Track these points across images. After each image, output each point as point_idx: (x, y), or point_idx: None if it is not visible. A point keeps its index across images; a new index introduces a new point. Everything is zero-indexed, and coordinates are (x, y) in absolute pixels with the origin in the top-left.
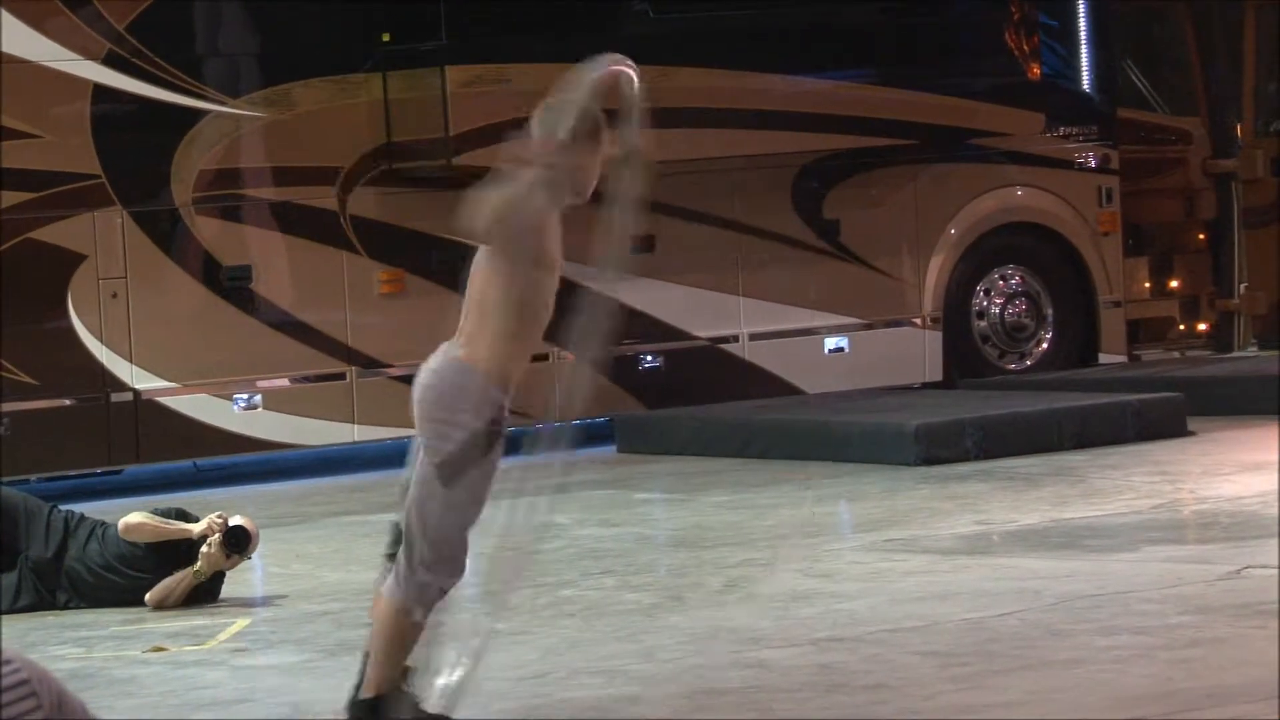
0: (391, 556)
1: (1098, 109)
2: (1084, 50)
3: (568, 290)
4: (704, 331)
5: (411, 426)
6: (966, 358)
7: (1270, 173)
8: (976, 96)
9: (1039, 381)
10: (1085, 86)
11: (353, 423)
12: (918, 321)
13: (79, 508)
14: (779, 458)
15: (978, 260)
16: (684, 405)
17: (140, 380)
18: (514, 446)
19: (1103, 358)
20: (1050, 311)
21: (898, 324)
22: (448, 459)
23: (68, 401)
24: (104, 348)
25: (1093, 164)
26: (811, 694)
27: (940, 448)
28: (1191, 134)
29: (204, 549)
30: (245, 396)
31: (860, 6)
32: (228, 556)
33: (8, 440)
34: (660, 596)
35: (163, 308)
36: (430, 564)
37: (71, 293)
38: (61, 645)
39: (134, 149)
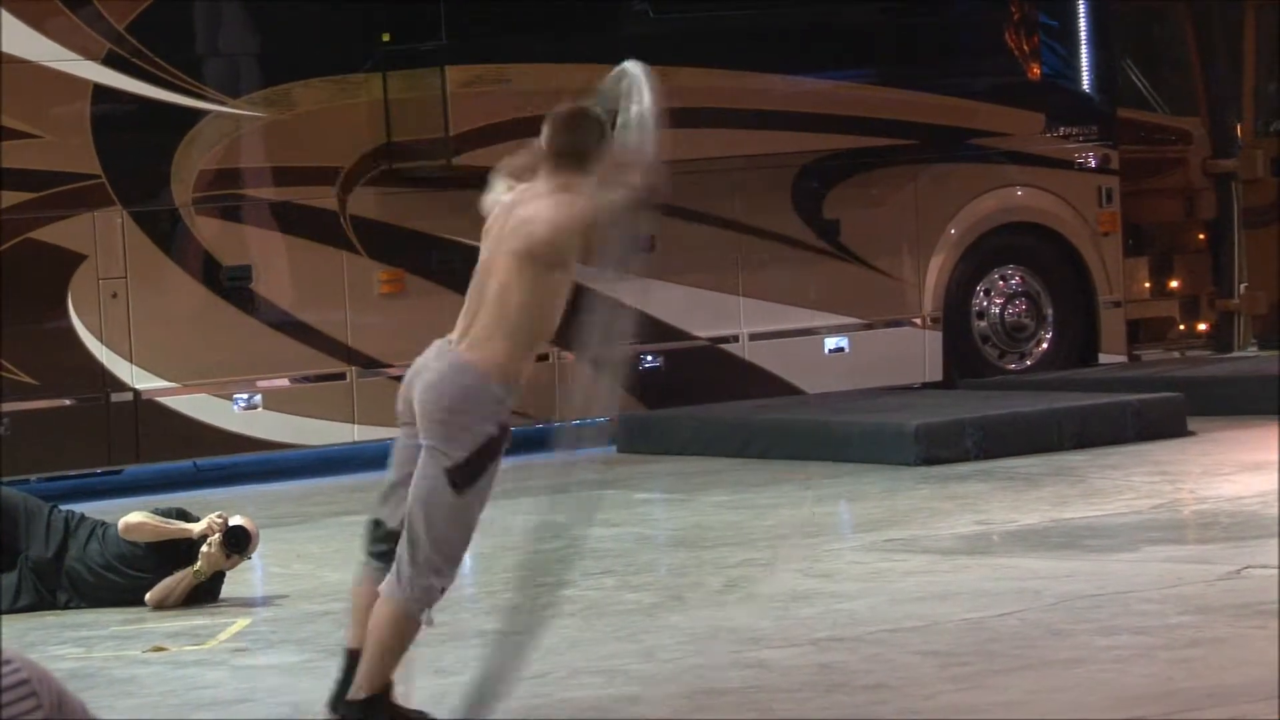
0: (379, 555)
1: (1098, 109)
2: (1084, 50)
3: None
4: (704, 331)
5: None
6: (966, 358)
7: (1270, 173)
8: (976, 96)
9: (1039, 381)
10: (1085, 86)
11: (353, 423)
12: (918, 321)
13: (79, 508)
14: (779, 458)
15: (978, 260)
16: (684, 405)
17: (140, 380)
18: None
19: (1103, 358)
20: (1050, 311)
21: (898, 324)
22: (459, 464)
23: (68, 401)
24: (104, 348)
25: (1093, 164)
26: (811, 694)
27: (940, 448)
28: (1191, 134)
29: (204, 549)
30: (245, 396)
31: (860, 6)
32: (228, 556)
33: (8, 440)
34: (660, 596)
35: (163, 308)
36: (437, 567)
37: (72, 293)
38: (61, 645)
39: (134, 149)
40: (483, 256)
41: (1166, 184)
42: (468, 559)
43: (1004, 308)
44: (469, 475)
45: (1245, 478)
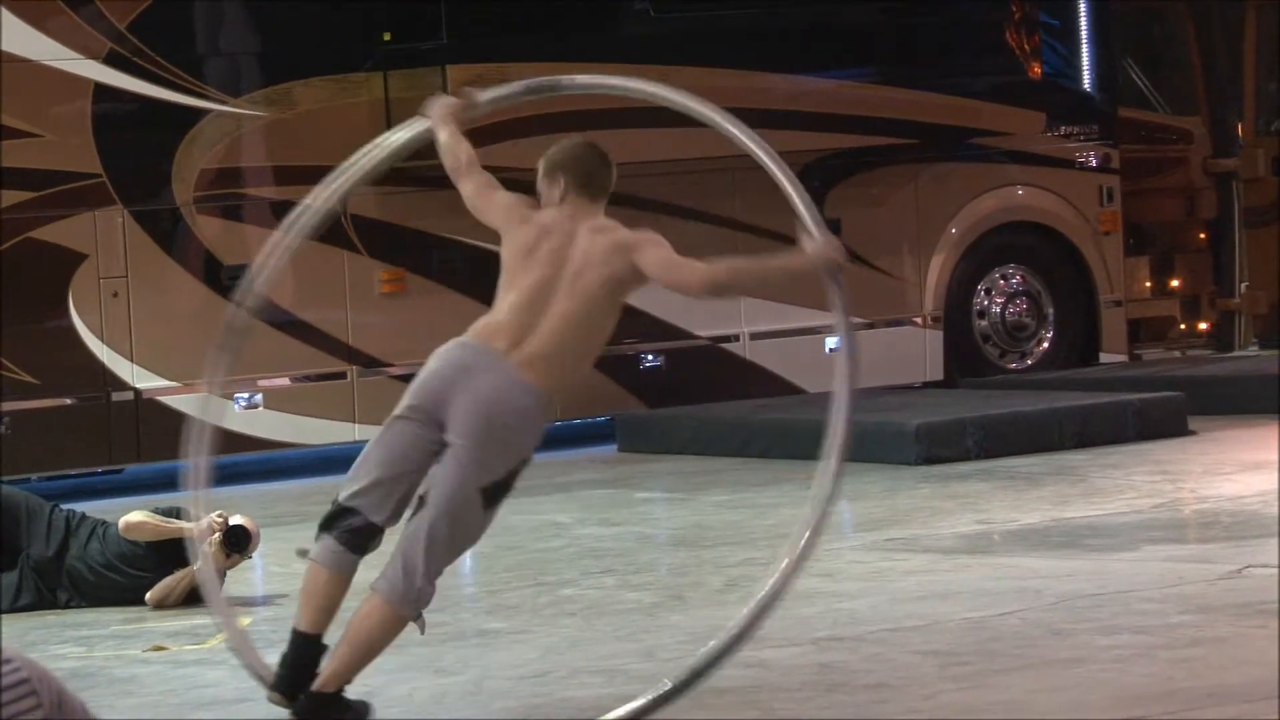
0: (349, 542)
1: (1099, 108)
2: (1085, 49)
3: None
4: (705, 331)
5: None
6: (967, 357)
7: (1271, 172)
8: (977, 96)
9: (1040, 381)
10: (1086, 86)
11: (353, 422)
12: (919, 321)
13: (80, 507)
14: (779, 457)
15: (979, 259)
16: (685, 404)
17: (141, 379)
18: None
19: (1104, 357)
20: (1051, 311)
21: (899, 323)
22: (497, 482)
23: (69, 401)
24: (105, 347)
25: (1094, 163)
26: (812, 693)
27: (941, 447)
28: (1192, 133)
29: (204, 548)
30: (246, 396)
31: (861, 6)
32: (228, 556)
33: (9, 439)
34: (661, 596)
35: (164, 307)
36: (441, 573)
37: (72, 292)
38: (62, 644)
39: (135, 148)
40: (541, 274)
41: (1167, 183)
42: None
43: (1005, 307)
44: (501, 492)
45: (1246, 477)
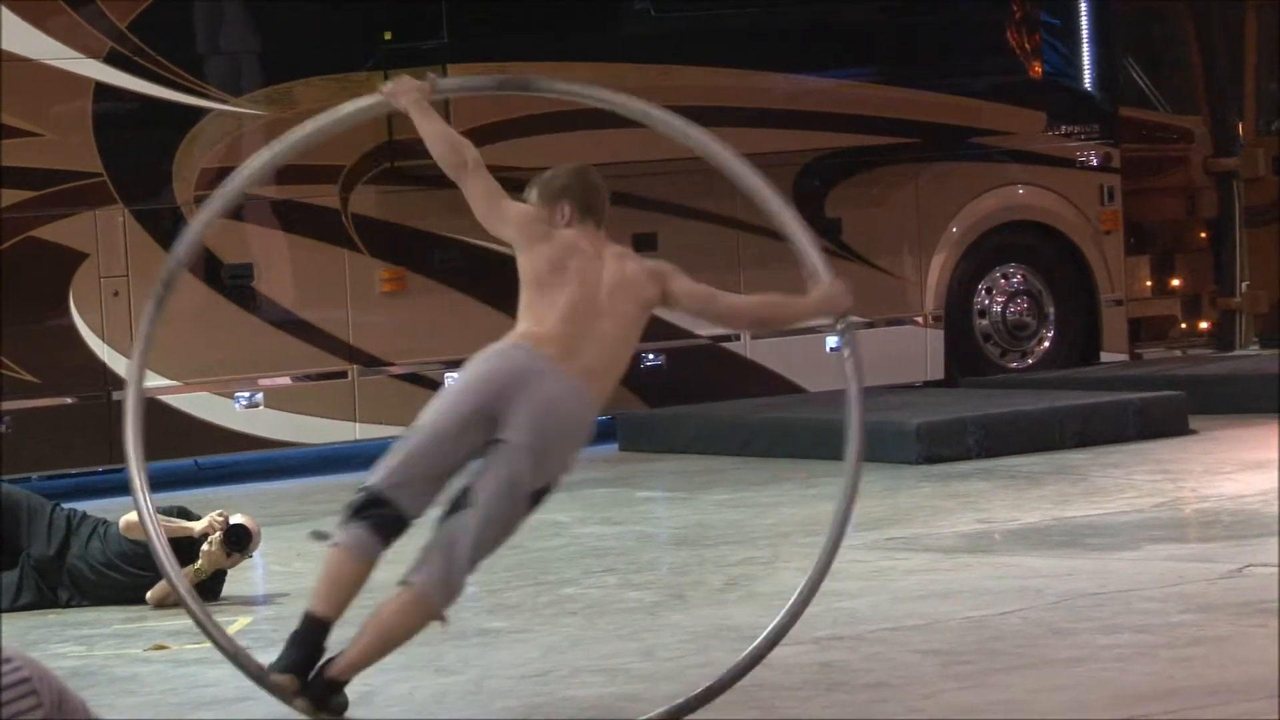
0: (378, 530)
1: (1099, 107)
2: (1085, 49)
3: None
4: (706, 330)
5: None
6: (968, 356)
7: (1272, 171)
8: (978, 95)
9: (1041, 380)
10: (1087, 85)
11: (354, 421)
12: (919, 320)
13: (81, 506)
14: (780, 456)
15: (979, 259)
16: (686, 404)
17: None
18: None
19: (1104, 356)
20: (1052, 310)
21: (899, 322)
22: (545, 487)
23: (69, 400)
24: (106, 346)
25: (1094, 162)
26: (813, 692)
27: (942, 446)
28: (1193, 132)
29: (205, 547)
30: (247, 395)
31: (862, 5)
32: (229, 555)
33: (10, 438)
34: (662, 595)
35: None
36: (476, 569)
37: (73, 291)
38: (63, 643)
39: (136, 147)
40: (577, 290)
41: (1168, 182)
42: None
43: (1005, 306)
44: (544, 496)
45: (1247, 476)
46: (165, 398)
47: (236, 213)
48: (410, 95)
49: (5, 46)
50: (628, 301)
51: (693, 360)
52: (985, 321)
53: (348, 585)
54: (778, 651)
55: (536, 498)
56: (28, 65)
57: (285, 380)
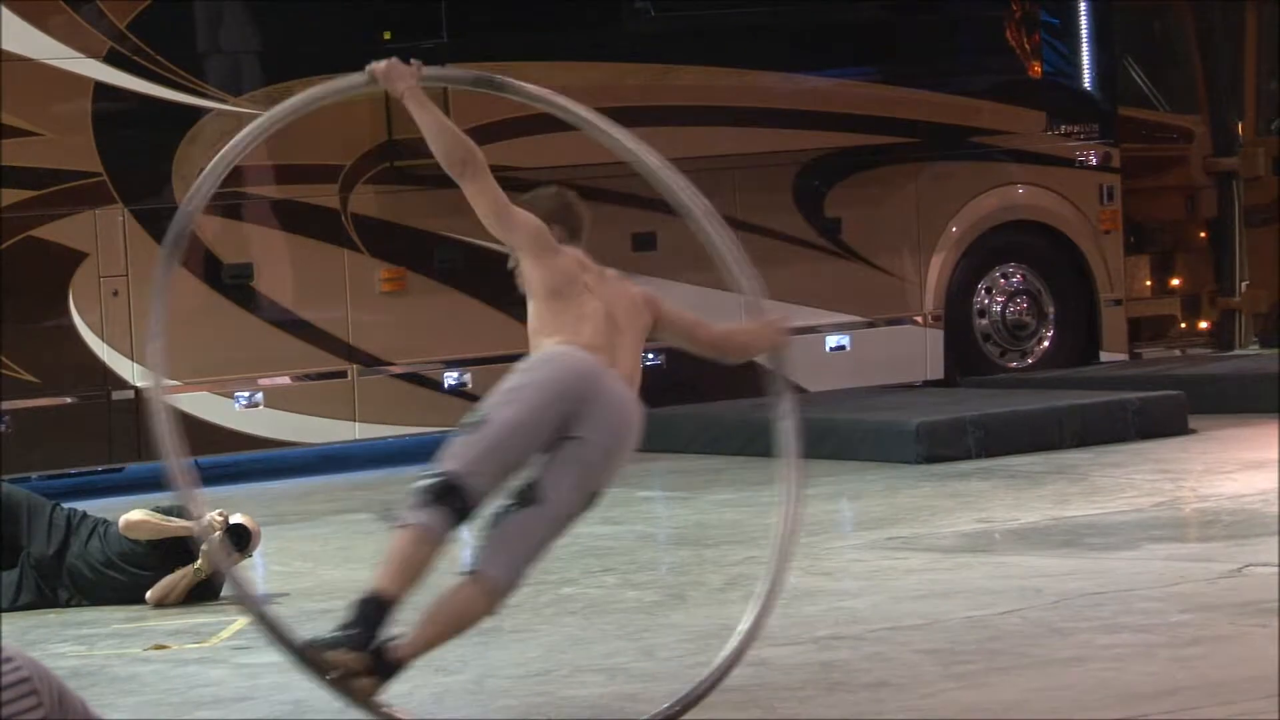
0: (458, 513)
1: (1099, 107)
2: (1085, 48)
3: None
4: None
5: (413, 424)
6: (968, 356)
7: (1271, 171)
8: (978, 95)
9: (1040, 380)
10: (1086, 84)
11: (354, 421)
12: (919, 320)
13: (81, 505)
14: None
15: (979, 258)
16: (685, 403)
17: (142, 378)
18: None
19: (1104, 356)
20: (1051, 310)
21: (899, 322)
22: (599, 491)
23: (69, 399)
24: (105, 346)
25: (1094, 162)
26: (813, 692)
27: (942, 446)
28: (1193, 132)
29: (205, 547)
30: (246, 394)
31: (862, 5)
32: (229, 554)
33: (10, 438)
34: (662, 594)
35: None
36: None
37: (73, 291)
38: (63, 643)
39: (135, 147)
40: (599, 304)
41: (1168, 182)
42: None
43: (1005, 306)
44: (596, 499)
45: (1246, 476)
46: (165, 398)
47: (237, 212)
48: (406, 82)
49: (5, 46)
50: (637, 320)
51: (692, 359)
52: (985, 321)
53: (417, 567)
54: (778, 651)
55: (592, 499)
56: (28, 65)
57: (285, 380)
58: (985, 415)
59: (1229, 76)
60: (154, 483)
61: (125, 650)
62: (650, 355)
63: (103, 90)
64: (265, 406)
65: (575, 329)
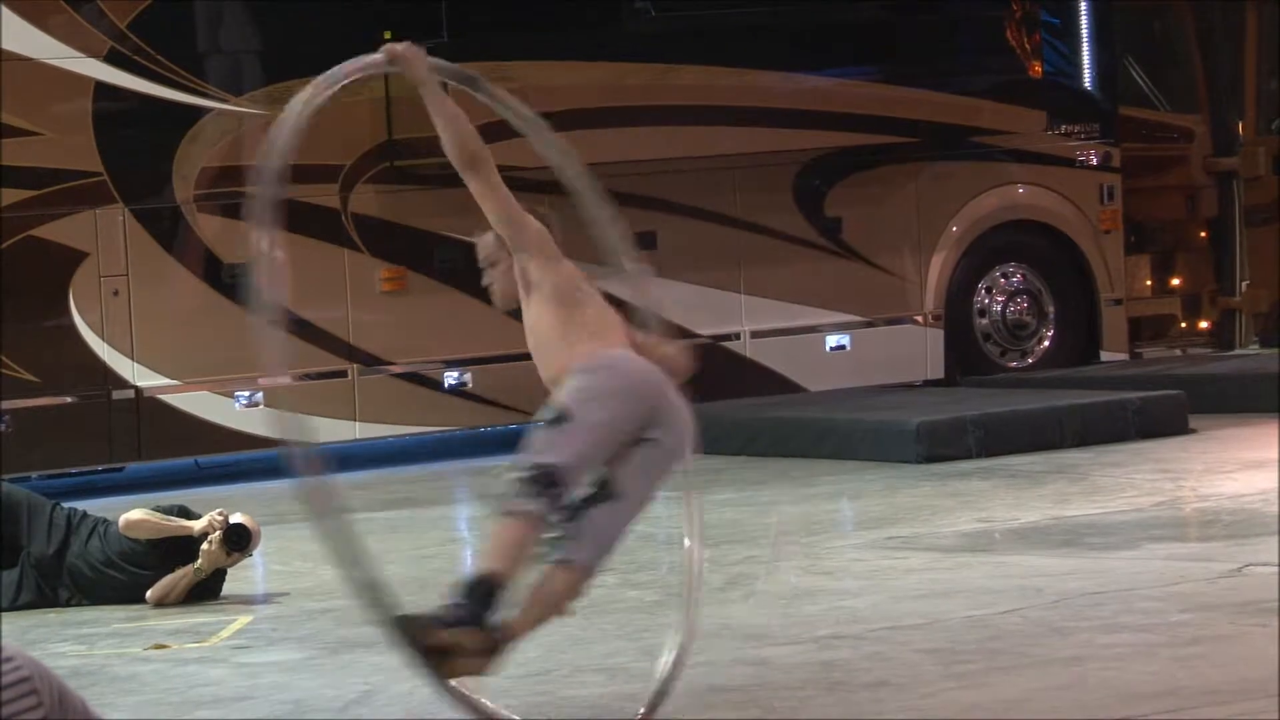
0: (556, 505)
1: (1099, 107)
2: (1085, 48)
3: None
4: (706, 329)
5: (413, 424)
6: (968, 355)
7: (1272, 170)
8: (978, 94)
9: (1041, 379)
10: (1087, 84)
11: (354, 420)
12: (919, 319)
13: (81, 505)
14: (780, 455)
15: (979, 258)
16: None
17: (142, 377)
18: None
19: (1104, 355)
20: (1052, 309)
21: (899, 322)
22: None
23: (69, 399)
24: (106, 345)
25: (1094, 162)
26: (814, 691)
27: (942, 445)
28: (1193, 131)
29: (205, 546)
30: (246, 394)
31: (862, 5)
32: (229, 554)
33: (10, 437)
34: (662, 594)
35: (164, 305)
36: None
37: (73, 290)
38: (63, 642)
39: (136, 146)
40: (610, 314)
41: (1168, 182)
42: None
43: (1005, 305)
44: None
45: (1246, 476)
46: (165, 397)
47: (236, 212)
48: (423, 70)
49: (5, 46)
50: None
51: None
52: (985, 321)
53: (524, 552)
54: (779, 651)
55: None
56: (28, 65)
57: (285, 379)
58: (985, 415)
59: (1229, 76)
60: (154, 482)
61: (125, 650)
62: None
63: (103, 90)
64: (265, 406)
65: (603, 334)
